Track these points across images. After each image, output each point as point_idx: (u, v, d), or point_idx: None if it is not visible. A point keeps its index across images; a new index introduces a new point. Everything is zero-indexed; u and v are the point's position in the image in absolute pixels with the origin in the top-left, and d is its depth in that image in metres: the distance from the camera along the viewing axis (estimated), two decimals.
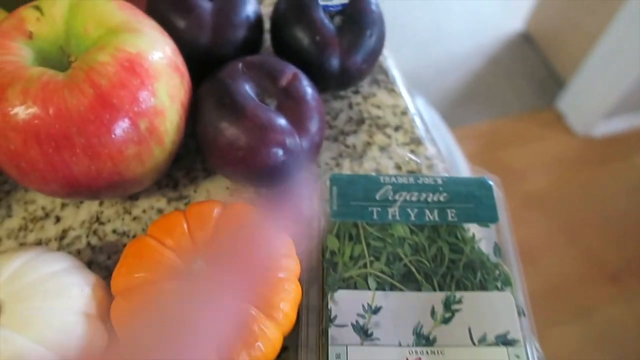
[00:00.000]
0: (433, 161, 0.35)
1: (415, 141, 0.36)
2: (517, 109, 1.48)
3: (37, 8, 0.27)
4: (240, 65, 0.31)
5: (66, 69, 0.26)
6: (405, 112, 0.38)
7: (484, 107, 1.49)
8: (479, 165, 0.34)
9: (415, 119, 0.38)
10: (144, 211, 0.33)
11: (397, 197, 0.30)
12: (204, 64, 0.33)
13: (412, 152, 0.36)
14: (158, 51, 0.27)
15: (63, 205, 0.33)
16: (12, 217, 0.32)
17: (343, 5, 0.33)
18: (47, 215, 0.32)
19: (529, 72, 1.56)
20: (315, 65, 0.33)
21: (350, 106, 0.38)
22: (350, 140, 0.36)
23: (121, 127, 0.25)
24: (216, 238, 0.26)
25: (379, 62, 0.40)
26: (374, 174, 0.31)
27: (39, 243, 0.31)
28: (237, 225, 0.26)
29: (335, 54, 0.33)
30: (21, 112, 0.24)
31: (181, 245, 0.26)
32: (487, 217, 0.30)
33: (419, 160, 0.35)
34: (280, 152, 0.29)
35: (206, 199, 0.33)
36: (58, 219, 0.32)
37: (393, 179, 0.31)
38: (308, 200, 0.31)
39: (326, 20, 0.33)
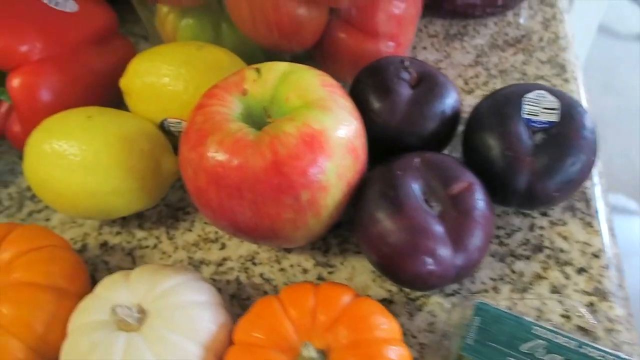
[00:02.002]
0: (616, 326, 0.29)
1: (600, 294, 0.31)
2: None
3: (258, 71, 0.31)
4: (416, 160, 0.30)
5: (263, 126, 0.30)
6: (597, 255, 0.32)
7: None
8: None
9: (611, 269, 0.32)
10: (291, 266, 0.34)
11: (546, 358, 0.25)
12: (387, 147, 0.33)
13: (590, 305, 0.30)
14: (340, 132, 0.28)
15: (230, 237, 0.37)
16: (192, 232, 0.37)
17: (550, 123, 0.30)
18: (216, 240, 0.36)
19: None
20: (498, 179, 0.31)
21: (532, 228, 0.34)
22: (519, 266, 0.32)
23: (283, 193, 0.27)
24: (334, 330, 0.26)
25: (581, 189, 0.35)
26: (527, 319, 0.27)
27: (202, 262, 0.35)
28: (358, 327, 0.25)
29: (524, 173, 0.30)
30: (213, 158, 0.28)
31: (301, 321, 0.26)
32: None
33: (595, 321, 0.29)
34: (427, 260, 0.27)
35: (350, 274, 0.34)
36: (223, 246, 0.36)
37: (550, 334, 0.26)
38: None
39: (525, 136, 0.30)
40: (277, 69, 0.31)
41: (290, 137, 0.27)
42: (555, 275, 0.32)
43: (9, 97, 0.40)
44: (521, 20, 0.47)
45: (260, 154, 0.27)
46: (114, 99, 0.45)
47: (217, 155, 0.28)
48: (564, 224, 0.34)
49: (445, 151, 0.38)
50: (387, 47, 0.39)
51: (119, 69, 0.44)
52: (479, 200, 0.29)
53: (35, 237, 0.32)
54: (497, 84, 0.42)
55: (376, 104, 0.33)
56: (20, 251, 0.31)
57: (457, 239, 0.28)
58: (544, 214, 0.35)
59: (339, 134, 0.28)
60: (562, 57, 0.43)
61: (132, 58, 0.45)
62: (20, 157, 0.44)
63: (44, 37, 0.38)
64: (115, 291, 0.28)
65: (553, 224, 0.34)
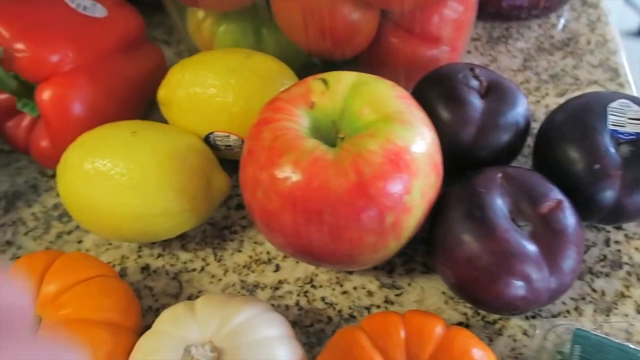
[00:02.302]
0: None
1: None
2: None
3: (325, 82, 0.29)
4: (498, 175, 0.28)
5: (332, 142, 0.27)
6: None
7: None
8: None
9: None
10: (354, 288, 0.32)
11: None
12: (457, 161, 0.31)
13: None
14: (423, 147, 0.26)
15: (284, 257, 0.34)
16: (241, 253, 0.35)
17: (638, 135, 0.29)
18: (269, 261, 0.34)
19: None
20: (583, 194, 0.29)
21: (607, 243, 0.32)
22: (599, 284, 0.31)
23: (369, 217, 0.25)
24: None
25: None
26: (630, 346, 0.25)
27: (256, 286, 0.33)
28: None
29: (613, 188, 0.28)
30: (288, 180, 0.25)
31: (394, 357, 0.24)
32: None
33: None
34: (521, 285, 0.26)
35: (420, 296, 0.32)
36: (277, 268, 0.34)
37: None
38: None
39: (612, 148, 0.29)
40: (345, 79, 0.29)
41: (374, 155, 0.25)
42: (639, 293, 0.30)
43: (34, 109, 0.37)
44: (565, 22, 0.45)
45: (344, 175, 0.25)
46: (145, 109, 0.42)
47: (293, 176, 0.25)
48: None
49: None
50: (442, 52, 0.37)
51: (150, 76, 0.41)
52: (571, 218, 0.27)
53: (82, 267, 0.29)
54: (550, 90, 0.41)
55: (446, 115, 0.31)
56: (68, 284, 0.28)
57: (552, 261, 0.26)
58: (618, 228, 0.33)
59: (422, 149, 0.26)
60: (614, 61, 0.42)
61: (161, 64, 0.43)
62: (43, 172, 0.41)
63: (76, 46, 0.35)
64: (184, 327, 0.26)
65: (629, 237, 0.32)
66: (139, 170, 0.30)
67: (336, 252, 0.27)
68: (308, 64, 0.43)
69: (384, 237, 0.26)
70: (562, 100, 0.40)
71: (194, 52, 0.43)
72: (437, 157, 0.28)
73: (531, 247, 0.26)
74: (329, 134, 0.28)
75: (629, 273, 0.31)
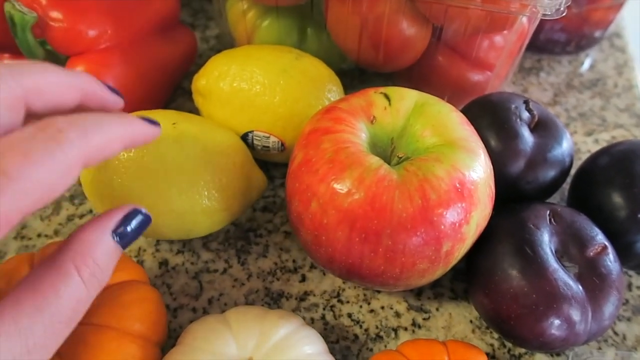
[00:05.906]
0: None
1: None
2: None
3: (387, 98, 0.28)
4: (547, 212, 0.28)
5: (387, 160, 0.27)
6: None
7: None
8: None
9: None
10: (382, 307, 0.32)
11: None
12: (500, 192, 0.31)
13: None
14: (484, 178, 0.26)
15: (311, 267, 0.33)
16: (266, 258, 0.34)
17: None
18: (295, 270, 0.33)
19: None
20: (622, 240, 0.29)
21: (629, 287, 0.33)
22: (621, 327, 0.31)
23: (427, 244, 0.25)
24: None
25: None
26: None
27: (281, 295, 0.32)
28: None
29: None
30: (350, 196, 0.24)
31: None
32: None
33: None
34: (565, 327, 0.26)
35: (447, 323, 0.31)
36: (304, 278, 0.33)
37: None
38: None
39: None
40: (409, 97, 0.28)
41: (441, 182, 0.24)
42: None
43: None
44: (592, 62, 0.46)
45: (409, 198, 0.24)
46: (170, 94, 0.40)
47: (356, 193, 0.24)
48: None
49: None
50: (487, 78, 0.37)
51: (181, 61, 0.39)
52: (615, 263, 0.27)
53: (116, 269, 0.26)
54: (578, 128, 0.41)
55: (497, 145, 0.31)
56: None
57: (595, 305, 0.26)
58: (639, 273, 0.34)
59: (484, 180, 0.26)
60: (639, 107, 0.43)
61: (193, 49, 0.41)
62: None
63: (115, 23, 0.33)
64: (220, 343, 0.24)
65: None
66: (186, 166, 0.28)
67: (385, 274, 0.26)
68: (341, 71, 0.42)
69: (436, 265, 0.26)
70: (590, 139, 0.41)
71: (224, 39, 0.42)
72: (493, 188, 0.28)
73: (578, 290, 0.26)
74: (385, 151, 0.28)
75: None
